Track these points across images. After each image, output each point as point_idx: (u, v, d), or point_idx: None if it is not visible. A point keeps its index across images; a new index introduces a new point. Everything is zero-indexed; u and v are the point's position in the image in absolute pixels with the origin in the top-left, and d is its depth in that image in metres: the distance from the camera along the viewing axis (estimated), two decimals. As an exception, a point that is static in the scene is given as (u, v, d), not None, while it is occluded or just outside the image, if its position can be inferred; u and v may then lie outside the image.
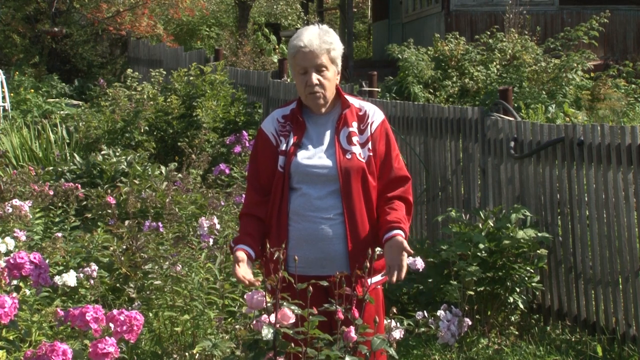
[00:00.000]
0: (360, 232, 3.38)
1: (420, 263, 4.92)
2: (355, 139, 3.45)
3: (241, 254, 3.34)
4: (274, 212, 3.43)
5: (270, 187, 3.45)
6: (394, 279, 3.27)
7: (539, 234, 5.76)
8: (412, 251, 3.33)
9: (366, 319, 3.23)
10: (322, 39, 3.43)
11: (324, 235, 3.37)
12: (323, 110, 3.48)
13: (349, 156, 3.41)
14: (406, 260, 3.30)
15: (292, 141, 3.45)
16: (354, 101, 3.55)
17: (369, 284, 3.40)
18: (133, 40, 19.64)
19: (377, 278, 3.46)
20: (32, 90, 16.05)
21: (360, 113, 3.51)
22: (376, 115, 3.52)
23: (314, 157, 3.42)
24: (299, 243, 3.38)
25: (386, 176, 3.47)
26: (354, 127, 3.47)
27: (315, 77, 3.40)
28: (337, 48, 3.48)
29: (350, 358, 2.92)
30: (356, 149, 3.43)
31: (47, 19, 19.51)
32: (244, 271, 3.30)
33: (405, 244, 3.32)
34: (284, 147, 3.45)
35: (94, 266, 5.15)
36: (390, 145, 3.51)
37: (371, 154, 3.45)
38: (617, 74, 14.24)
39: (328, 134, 3.47)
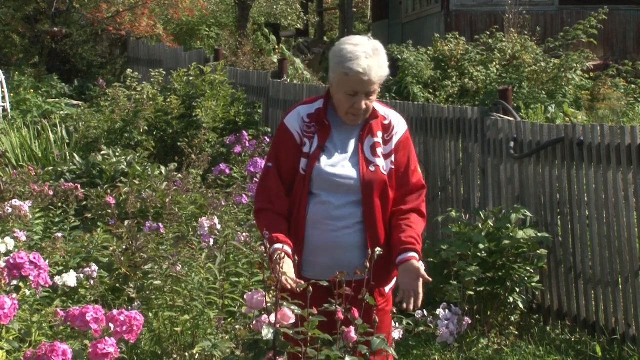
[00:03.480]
0: (379, 242, 3.34)
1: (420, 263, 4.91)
2: (379, 150, 3.38)
3: (286, 257, 3.18)
4: (292, 216, 3.38)
5: (290, 184, 3.39)
6: (411, 306, 3.23)
7: (539, 234, 5.76)
8: (429, 279, 3.28)
9: (384, 329, 3.23)
10: (379, 65, 3.30)
11: (339, 244, 3.32)
12: None
13: (372, 168, 3.35)
14: (422, 287, 3.26)
15: (315, 144, 3.38)
16: (379, 108, 3.46)
17: (386, 292, 3.39)
18: (133, 40, 19.63)
19: (392, 284, 3.45)
20: (32, 91, 16.05)
21: (385, 122, 3.43)
22: (400, 126, 3.45)
23: (337, 165, 3.35)
24: (315, 250, 3.35)
25: (403, 188, 3.41)
26: (378, 137, 3.40)
27: (363, 103, 3.31)
28: (385, 66, 3.35)
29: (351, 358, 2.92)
30: (380, 161, 3.36)
31: (46, 19, 19.50)
32: (289, 273, 3.16)
33: (422, 270, 3.26)
34: (307, 150, 3.37)
35: (94, 266, 5.15)
36: (410, 157, 3.45)
37: (393, 167, 3.39)
38: (617, 73, 14.24)
39: (352, 142, 3.39)
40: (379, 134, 3.40)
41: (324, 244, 3.34)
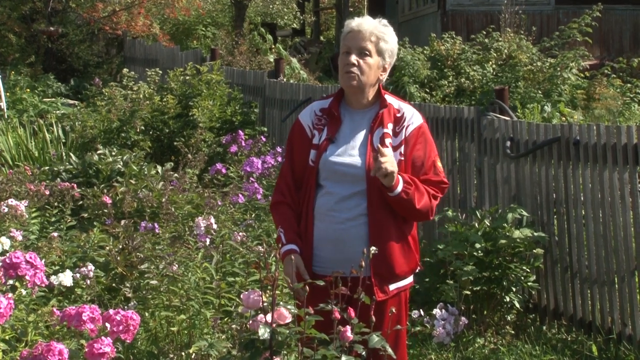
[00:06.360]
0: (383, 235, 3.30)
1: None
2: (388, 141, 3.36)
3: (297, 257, 3.31)
4: (302, 208, 3.39)
5: (302, 177, 3.41)
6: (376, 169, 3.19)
7: (535, 234, 5.77)
8: (388, 170, 3.18)
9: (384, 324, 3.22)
10: (375, 26, 3.38)
11: (344, 237, 3.31)
12: (361, 98, 3.40)
13: None
14: (384, 167, 3.18)
15: (325, 136, 3.39)
16: (393, 101, 3.46)
17: (390, 289, 3.37)
18: (129, 40, 19.60)
19: (401, 284, 3.41)
20: (28, 90, 16.02)
21: (398, 115, 3.42)
22: (413, 119, 3.42)
23: (343, 154, 3.36)
24: (321, 243, 3.35)
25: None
26: (389, 128, 3.38)
27: (354, 58, 3.34)
28: (389, 42, 3.40)
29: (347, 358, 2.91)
30: (387, 152, 3.31)
31: (43, 19, 19.46)
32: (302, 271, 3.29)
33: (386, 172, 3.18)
34: (316, 141, 3.40)
35: (90, 266, 5.14)
36: (428, 152, 3.40)
37: (402, 158, 3.35)
38: (612, 72, 14.25)
39: (362, 133, 3.39)
40: (390, 125, 3.39)
41: (329, 237, 3.33)
